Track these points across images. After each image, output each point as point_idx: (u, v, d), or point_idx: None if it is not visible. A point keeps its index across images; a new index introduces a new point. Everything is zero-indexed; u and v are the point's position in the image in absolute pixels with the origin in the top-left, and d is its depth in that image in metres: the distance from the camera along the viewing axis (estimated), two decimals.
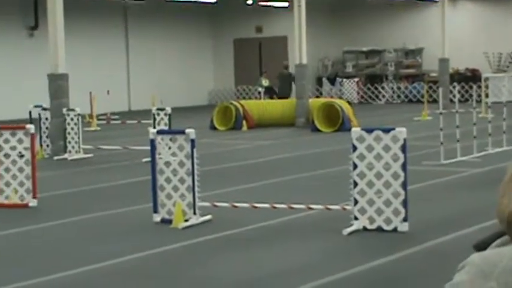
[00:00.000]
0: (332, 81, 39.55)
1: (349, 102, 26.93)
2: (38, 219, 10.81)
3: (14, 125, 12.50)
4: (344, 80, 39.17)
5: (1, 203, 11.56)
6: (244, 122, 25.13)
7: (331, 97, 35.81)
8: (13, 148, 11.91)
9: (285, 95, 29.98)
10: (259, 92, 34.70)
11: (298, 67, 25.95)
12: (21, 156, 11.92)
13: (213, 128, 25.13)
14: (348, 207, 9.95)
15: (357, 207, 9.54)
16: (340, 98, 35.82)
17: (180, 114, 28.25)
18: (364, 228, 9.49)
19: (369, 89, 38.96)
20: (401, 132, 9.39)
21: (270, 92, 35.25)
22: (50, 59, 18.74)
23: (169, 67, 39.38)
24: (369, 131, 9.58)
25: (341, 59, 40.95)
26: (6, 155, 11.89)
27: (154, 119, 17.91)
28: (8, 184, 11.82)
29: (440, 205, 11.34)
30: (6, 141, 11.91)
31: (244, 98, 38.77)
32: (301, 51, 25.74)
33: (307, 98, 26.07)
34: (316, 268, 7.91)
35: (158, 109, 18.16)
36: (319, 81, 40.07)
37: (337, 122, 23.43)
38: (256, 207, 10.89)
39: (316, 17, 37.69)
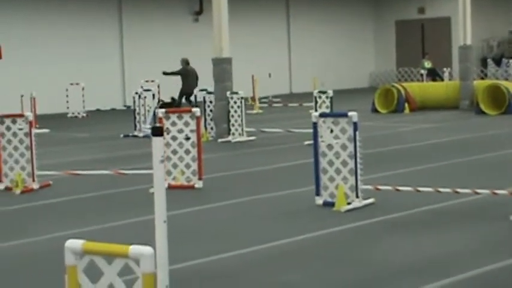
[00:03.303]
0: (498, 62, 38.52)
1: None
2: (203, 200, 11.11)
3: (180, 108, 12.86)
4: (510, 61, 38.05)
5: (169, 184, 11.92)
6: (406, 105, 24.88)
7: (497, 79, 34.91)
8: (180, 131, 12.27)
9: (189, 91, 27.44)
10: (422, 74, 34.26)
11: (462, 48, 25.43)
12: (188, 138, 12.27)
13: (375, 110, 25.01)
14: None
15: None
16: (506, 79, 34.87)
17: (341, 97, 28.25)
18: None
19: None
20: None
21: (432, 74, 34.73)
22: (215, 43, 19.14)
23: (330, 49, 39.40)
24: None
25: (507, 39, 39.79)
26: (174, 138, 12.26)
27: (316, 102, 18.00)
28: (175, 166, 12.20)
29: None
30: (173, 124, 12.28)
31: (406, 80, 38.36)
32: (465, 32, 25.21)
33: (472, 80, 25.51)
34: (481, 254, 7.79)
35: (320, 92, 18.24)
36: (483, 63, 39.13)
37: (503, 105, 22.86)
38: (419, 191, 10.81)
39: None
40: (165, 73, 25.48)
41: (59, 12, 30.48)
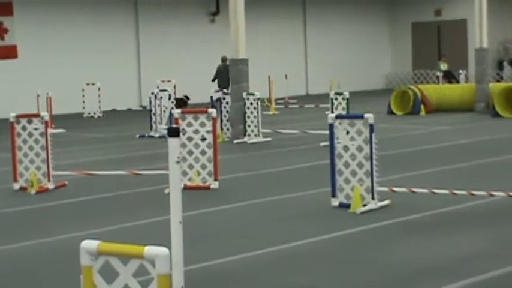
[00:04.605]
0: None
1: None
2: (219, 201, 11.10)
3: (196, 109, 12.88)
4: None
5: (185, 185, 11.93)
6: (422, 107, 24.83)
7: None
8: (196, 132, 12.27)
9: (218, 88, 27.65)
10: (438, 76, 34.16)
11: (478, 51, 25.34)
12: (204, 139, 12.28)
13: (391, 112, 24.97)
14: None
15: None
16: None
17: (358, 99, 28.22)
18: None
19: None
20: None
21: (448, 77, 34.62)
22: (231, 44, 19.14)
23: (346, 51, 39.36)
24: None
25: None
26: (189, 138, 12.27)
27: (332, 103, 17.98)
28: (190, 167, 12.20)
29: None
30: (189, 124, 12.29)
31: (422, 82, 38.28)
32: (481, 35, 25.13)
33: (488, 82, 25.44)
34: (497, 256, 7.76)
35: (336, 93, 18.22)
36: (499, 65, 39.00)
37: None
38: (435, 193, 10.78)
39: None
40: (212, 80, 26.11)
41: (75, 12, 30.57)
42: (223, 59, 26.05)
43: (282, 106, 29.66)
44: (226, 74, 26.27)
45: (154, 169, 13.92)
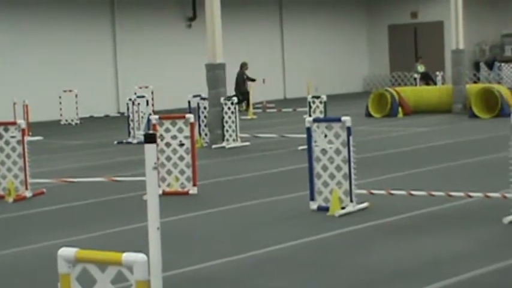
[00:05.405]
0: (490, 66, 38.59)
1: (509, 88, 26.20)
2: (198, 206, 11.09)
3: (174, 115, 12.86)
4: (502, 64, 38.10)
5: (163, 191, 11.91)
6: (400, 109, 24.91)
7: (489, 82, 34.98)
8: (174, 137, 12.26)
9: (237, 93, 28.05)
10: (415, 78, 34.30)
11: (455, 52, 25.47)
12: (182, 145, 12.26)
13: (369, 115, 25.03)
14: (508, 195, 9.74)
15: None
16: (499, 83, 34.93)
17: (335, 102, 28.28)
18: None
19: None
20: None
21: (425, 78, 34.77)
22: (208, 49, 19.12)
23: (323, 54, 39.43)
24: None
25: (499, 43, 39.87)
26: (167, 144, 12.25)
27: (310, 107, 18.01)
28: (169, 172, 12.18)
29: None
30: (167, 130, 12.27)
31: (399, 84, 38.40)
32: (458, 36, 25.26)
33: (464, 83, 25.55)
34: (475, 257, 7.80)
35: (314, 97, 18.26)
36: (476, 67, 39.20)
37: (496, 108, 22.90)
38: (413, 194, 10.81)
39: (473, 0, 36.84)
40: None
41: (51, 19, 30.45)
42: (240, 66, 25.95)
43: (260, 110, 29.68)
44: (236, 82, 26.19)
45: (133, 175, 13.88)
